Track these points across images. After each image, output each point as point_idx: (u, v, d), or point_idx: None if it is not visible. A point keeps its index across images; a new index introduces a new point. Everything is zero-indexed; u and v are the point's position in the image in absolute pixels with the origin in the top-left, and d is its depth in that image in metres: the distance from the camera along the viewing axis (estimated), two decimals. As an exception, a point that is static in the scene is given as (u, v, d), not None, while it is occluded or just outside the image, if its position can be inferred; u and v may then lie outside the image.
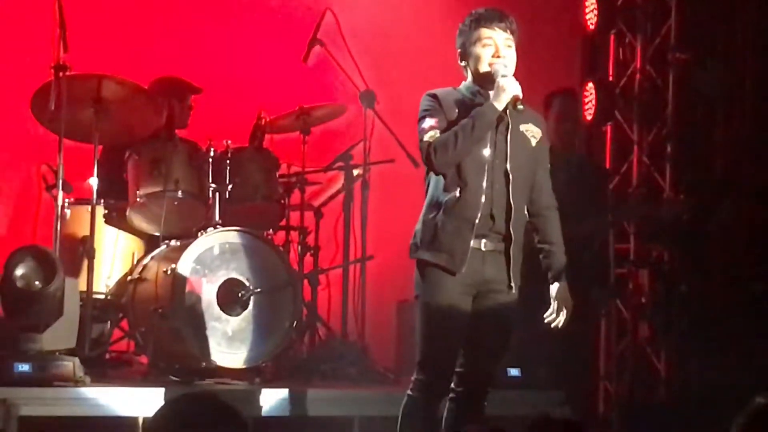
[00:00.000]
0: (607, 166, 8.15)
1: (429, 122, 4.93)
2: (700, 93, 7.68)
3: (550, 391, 6.67)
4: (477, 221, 4.87)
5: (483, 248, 4.91)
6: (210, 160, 7.06)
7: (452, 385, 5.01)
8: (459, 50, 5.07)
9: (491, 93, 4.94)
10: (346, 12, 7.88)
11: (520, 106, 4.91)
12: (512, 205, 4.92)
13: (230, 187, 7.09)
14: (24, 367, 6.04)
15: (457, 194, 4.91)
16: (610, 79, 8.11)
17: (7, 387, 5.92)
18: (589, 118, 7.84)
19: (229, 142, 7.17)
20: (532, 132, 5.05)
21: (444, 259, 4.91)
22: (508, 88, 4.87)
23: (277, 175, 7.45)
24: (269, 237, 7.20)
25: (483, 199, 4.88)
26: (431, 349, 4.95)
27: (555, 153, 7.44)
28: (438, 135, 4.89)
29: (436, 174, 4.95)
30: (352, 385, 6.85)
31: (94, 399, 6.06)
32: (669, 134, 7.88)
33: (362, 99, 7.53)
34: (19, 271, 6.27)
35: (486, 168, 4.90)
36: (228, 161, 7.10)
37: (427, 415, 4.99)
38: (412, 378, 5.01)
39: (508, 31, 5.00)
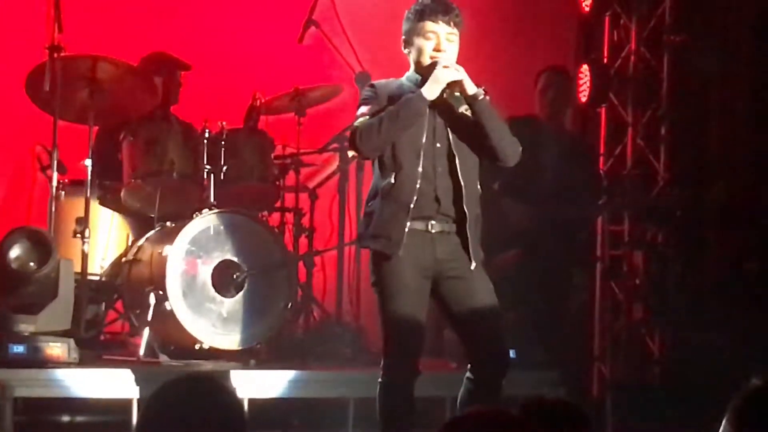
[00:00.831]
0: (602, 148, 8.15)
1: (362, 110, 5.07)
2: (696, 70, 7.67)
3: (545, 372, 6.68)
4: (412, 205, 4.95)
5: (431, 230, 5.00)
6: (205, 141, 7.06)
7: (467, 374, 5.07)
8: (403, 38, 5.14)
9: None
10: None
11: (457, 93, 5.01)
12: (462, 184, 5.00)
13: (225, 168, 7.08)
14: (18, 349, 6.06)
15: (392, 180, 5.00)
16: (605, 61, 8.09)
17: (2, 368, 5.93)
18: (583, 99, 7.84)
19: (224, 123, 7.17)
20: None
21: (382, 243, 5.01)
22: (441, 78, 4.95)
23: (272, 157, 7.45)
24: (264, 218, 7.21)
25: (418, 183, 4.95)
26: (390, 332, 5.04)
27: (542, 124, 7.53)
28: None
29: (362, 158, 5.08)
30: (347, 366, 6.86)
31: (88, 380, 6.08)
32: (663, 116, 7.88)
33: (357, 80, 7.52)
34: (13, 253, 6.28)
35: (422, 153, 4.98)
36: (223, 142, 7.09)
37: (397, 397, 5.05)
38: (381, 364, 5.09)
39: (452, 24, 5.05)
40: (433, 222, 5.00)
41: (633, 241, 7.90)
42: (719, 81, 7.70)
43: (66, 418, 6.42)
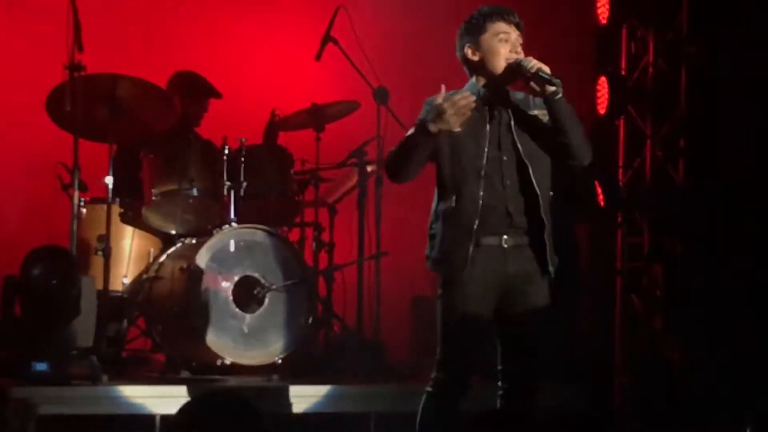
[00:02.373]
0: (620, 160, 8.14)
1: (410, 131, 4.89)
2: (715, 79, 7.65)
3: (567, 385, 6.68)
4: (475, 227, 4.84)
5: (504, 245, 4.89)
6: (225, 157, 7.10)
7: (498, 383, 5.01)
8: (467, 45, 4.98)
9: (508, 90, 4.97)
10: (359, 9, 7.88)
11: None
12: (537, 193, 4.90)
13: (245, 184, 7.12)
14: (42, 366, 6.09)
15: (453, 204, 4.90)
16: (623, 72, 8.09)
17: (26, 386, 5.96)
18: (601, 112, 7.83)
19: (244, 139, 7.22)
20: (543, 114, 4.98)
21: (444, 269, 4.93)
22: (530, 66, 4.81)
23: (292, 172, 7.48)
24: (284, 234, 7.23)
25: (480, 204, 4.84)
26: (448, 349, 4.95)
27: None
28: None
29: (393, 182, 4.96)
30: (368, 381, 6.86)
31: (111, 397, 6.10)
32: (682, 128, 7.87)
33: (375, 96, 7.54)
34: (36, 271, 6.32)
35: (484, 171, 4.86)
36: (242, 159, 7.14)
37: (443, 411, 4.98)
38: (432, 375, 5.01)
39: (520, 30, 4.97)
40: (506, 236, 4.88)
41: (652, 253, 7.89)
42: (739, 90, 7.67)
43: (90, 436, 6.45)
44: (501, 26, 4.94)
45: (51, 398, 5.97)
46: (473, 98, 4.77)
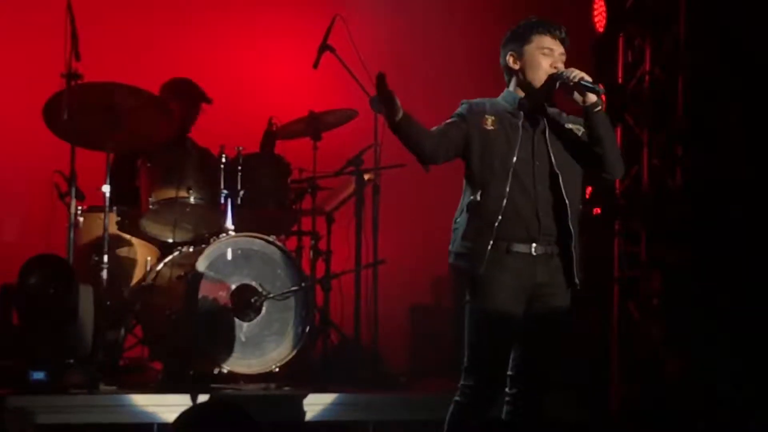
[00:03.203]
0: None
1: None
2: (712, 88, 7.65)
3: (563, 392, 6.68)
4: (497, 224, 4.85)
5: (534, 252, 4.90)
6: (222, 166, 7.11)
7: (506, 389, 5.00)
8: (510, 52, 5.00)
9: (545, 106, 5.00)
10: (356, 17, 7.89)
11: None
12: (566, 202, 4.91)
13: (242, 192, 7.13)
14: (39, 375, 6.09)
15: (478, 198, 4.92)
16: (619, 81, 8.10)
17: (23, 395, 5.96)
18: (599, 120, 7.83)
19: (241, 148, 7.23)
20: (580, 126, 5.02)
21: (464, 263, 4.93)
22: (572, 75, 4.86)
23: (289, 181, 7.49)
24: (281, 242, 7.23)
25: (504, 201, 4.86)
26: (479, 355, 4.92)
27: None
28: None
29: (426, 165, 4.97)
30: (366, 389, 6.86)
31: (108, 406, 6.10)
32: (679, 136, 7.87)
33: (372, 104, 7.54)
34: (33, 280, 6.32)
35: (512, 171, 4.88)
36: (240, 167, 7.14)
37: (474, 421, 4.95)
38: (459, 384, 4.97)
39: (564, 45, 5.00)
40: (535, 245, 4.89)
41: (650, 261, 7.89)
42: (735, 98, 7.68)
43: (87, 444, 6.44)
44: (546, 40, 4.97)
45: (48, 407, 5.97)
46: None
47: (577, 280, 4.96)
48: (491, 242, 4.86)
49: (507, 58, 5.03)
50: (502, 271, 4.87)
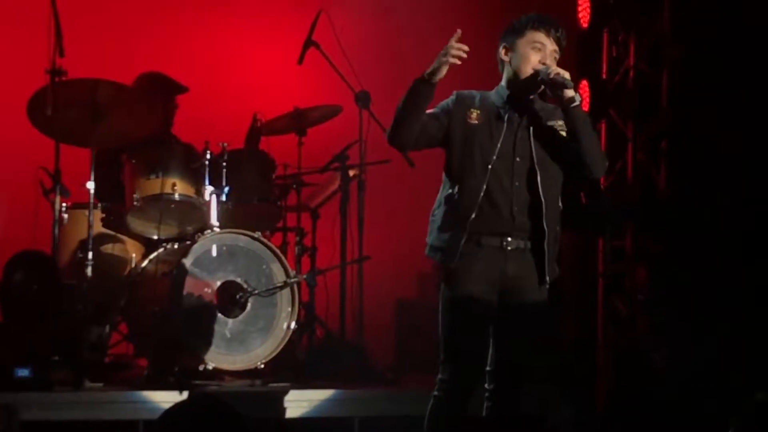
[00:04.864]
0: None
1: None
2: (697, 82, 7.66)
3: (547, 387, 6.68)
4: (472, 217, 4.87)
5: (504, 246, 4.91)
6: (206, 162, 7.09)
7: (485, 385, 5.01)
8: (504, 45, 5.03)
9: (534, 98, 5.01)
10: (340, 13, 7.89)
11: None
12: (542, 200, 4.92)
13: (227, 189, 7.12)
14: (24, 372, 6.07)
15: (455, 192, 4.94)
16: (604, 76, 8.11)
17: (8, 392, 5.94)
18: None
19: (226, 144, 7.20)
20: (563, 126, 5.02)
21: (439, 255, 4.96)
22: (548, 70, 4.88)
23: (274, 177, 7.48)
24: (266, 238, 7.22)
25: (480, 196, 4.87)
26: (452, 347, 4.93)
27: None
28: None
29: (399, 150, 5.08)
30: (352, 385, 6.86)
31: (94, 403, 6.10)
32: (664, 131, 7.89)
33: (357, 100, 7.54)
34: (18, 276, 6.31)
35: (492, 167, 4.89)
36: (224, 163, 7.13)
37: (452, 414, 4.96)
38: (437, 378, 4.99)
39: (559, 43, 4.99)
40: (509, 239, 4.91)
41: (635, 256, 7.90)
42: (721, 93, 7.69)
43: (72, 441, 6.43)
44: (539, 36, 4.98)
45: (33, 404, 5.96)
46: (465, 48, 4.77)
47: (548, 278, 4.97)
48: (465, 236, 4.89)
49: (500, 50, 5.07)
50: (473, 262, 4.90)
